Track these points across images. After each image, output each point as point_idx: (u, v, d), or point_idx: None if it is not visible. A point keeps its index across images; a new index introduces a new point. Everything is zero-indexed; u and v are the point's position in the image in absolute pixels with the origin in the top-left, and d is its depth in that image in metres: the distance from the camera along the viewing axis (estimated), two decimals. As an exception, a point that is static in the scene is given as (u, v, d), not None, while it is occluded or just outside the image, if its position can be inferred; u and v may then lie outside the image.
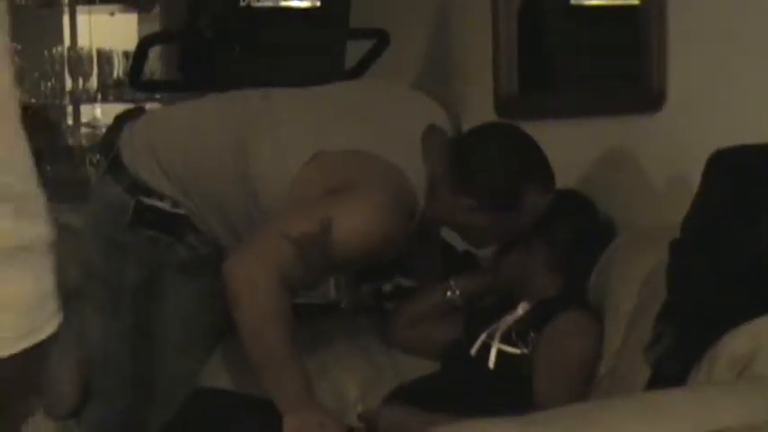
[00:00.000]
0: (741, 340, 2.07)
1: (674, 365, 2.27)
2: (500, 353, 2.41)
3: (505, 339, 2.41)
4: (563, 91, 3.17)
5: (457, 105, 2.79)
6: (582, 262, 2.52)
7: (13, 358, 1.47)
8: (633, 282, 2.44)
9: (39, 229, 1.44)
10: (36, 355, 1.50)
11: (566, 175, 2.66)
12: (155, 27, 4.99)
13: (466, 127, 2.57)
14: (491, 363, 2.42)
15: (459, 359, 2.48)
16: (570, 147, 2.91)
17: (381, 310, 2.75)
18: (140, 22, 5.24)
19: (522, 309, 2.46)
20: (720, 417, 1.84)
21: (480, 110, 3.06)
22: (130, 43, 4.48)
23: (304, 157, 2.29)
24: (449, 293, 2.57)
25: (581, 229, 2.58)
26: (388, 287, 2.83)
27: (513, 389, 2.37)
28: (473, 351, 2.43)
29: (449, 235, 2.74)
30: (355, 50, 3.39)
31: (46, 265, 1.49)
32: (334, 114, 2.42)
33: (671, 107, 2.68)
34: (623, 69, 2.88)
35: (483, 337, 2.43)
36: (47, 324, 1.51)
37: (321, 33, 3.19)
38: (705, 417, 1.86)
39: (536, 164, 2.44)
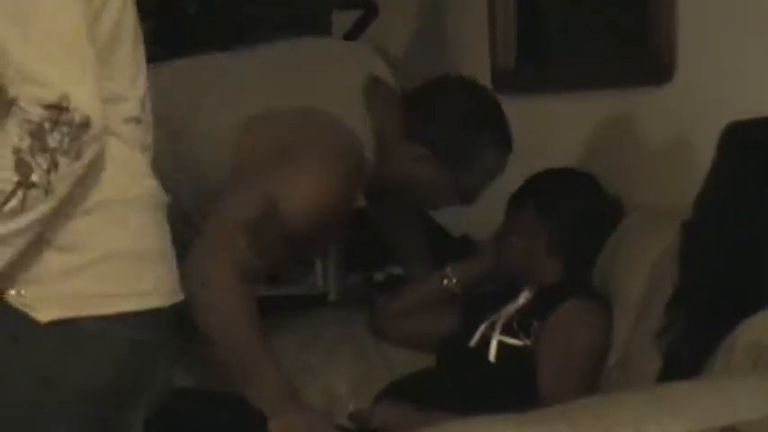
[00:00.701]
0: (758, 327, 2.02)
1: (687, 354, 2.24)
2: (501, 344, 2.40)
3: (507, 330, 2.40)
4: (564, 63, 3.13)
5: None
6: (587, 245, 2.50)
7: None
8: (642, 266, 2.42)
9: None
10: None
11: (569, 153, 2.65)
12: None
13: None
14: (491, 355, 2.41)
15: (456, 352, 2.47)
16: (573, 122, 2.91)
17: (372, 300, 2.74)
18: None
19: (523, 297, 2.46)
20: (738, 410, 1.81)
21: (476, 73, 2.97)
22: None
23: (237, 121, 2.27)
24: (445, 281, 2.56)
25: (586, 209, 2.54)
26: (379, 276, 2.81)
27: (516, 383, 2.37)
28: (472, 343, 2.43)
29: (444, 219, 2.71)
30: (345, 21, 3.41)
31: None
32: (267, 74, 2.41)
33: (681, 78, 2.67)
34: (629, 38, 2.85)
35: (482, 327, 2.43)
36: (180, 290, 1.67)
37: (306, 4, 3.25)
38: (722, 410, 1.82)
39: (497, 124, 2.44)
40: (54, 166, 1.45)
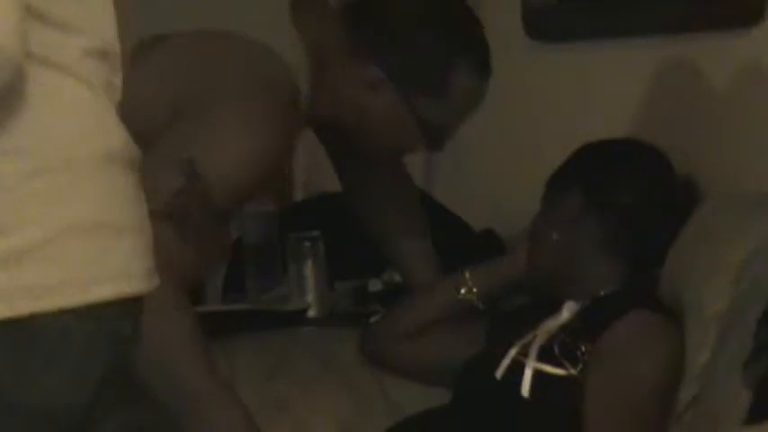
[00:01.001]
0: None
1: None
2: (537, 374, 2.08)
3: (545, 356, 2.09)
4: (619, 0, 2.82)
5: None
6: (652, 242, 2.15)
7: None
8: (726, 270, 2.07)
9: None
10: None
11: (626, 120, 2.43)
12: None
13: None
14: (525, 389, 2.08)
15: (479, 385, 2.16)
16: (631, 78, 2.57)
17: (366, 317, 2.34)
18: None
19: (567, 311, 2.12)
20: None
21: (504, 29, 2.71)
22: None
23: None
24: (463, 291, 2.20)
25: (651, 195, 2.19)
26: (375, 284, 2.45)
27: (556, 424, 2.06)
28: (499, 373, 2.11)
29: (462, 210, 2.56)
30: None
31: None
32: None
33: None
34: None
35: (513, 352, 2.10)
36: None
37: None
38: None
39: (471, 33, 2.10)
40: None
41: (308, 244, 2.32)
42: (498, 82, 2.51)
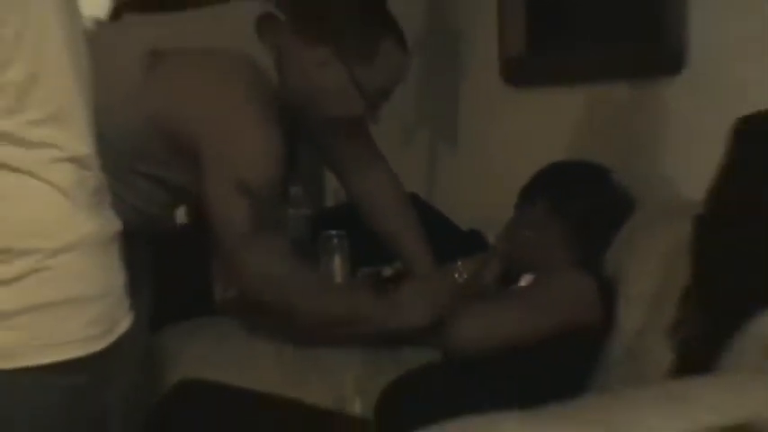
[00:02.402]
0: None
1: (700, 349, 2.24)
2: None
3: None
4: (576, 53, 3.12)
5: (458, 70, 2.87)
6: (598, 239, 2.53)
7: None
8: (654, 259, 2.45)
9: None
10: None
11: (581, 145, 2.70)
12: None
13: (467, 100, 2.56)
14: None
15: None
16: (584, 114, 2.90)
17: None
18: None
19: (525, 280, 2.50)
20: (750, 404, 1.82)
21: (484, 75, 3.06)
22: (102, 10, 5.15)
23: (140, 53, 2.28)
24: (456, 275, 2.55)
25: (597, 204, 2.56)
26: (387, 271, 2.80)
27: (524, 373, 2.38)
28: None
29: (455, 215, 2.76)
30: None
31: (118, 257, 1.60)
32: (178, 21, 2.48)
33: (692, 68, 2.68)
34: (641, 27, 2.86)
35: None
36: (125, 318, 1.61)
37: None
38: (734, 406, 1.82)
39: (390, 19, 2.44)
40: None
41: (335, 240, 2.67)
42: (479, 118, 3.05)
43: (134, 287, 1.77)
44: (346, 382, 2.56)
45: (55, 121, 1.49)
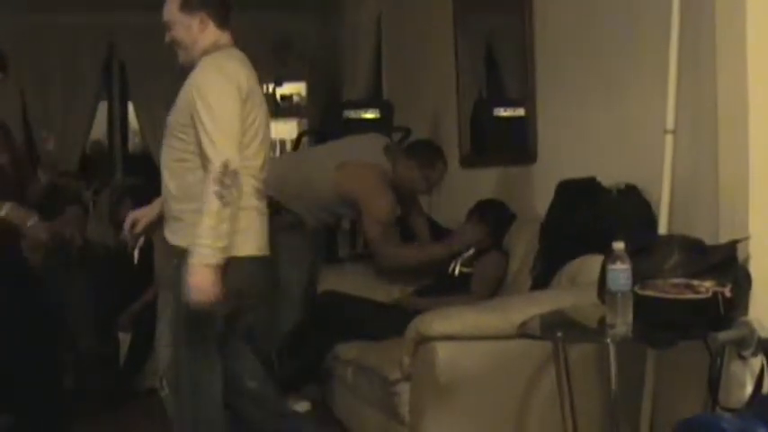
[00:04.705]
0: (571, 267, 3.34)
1: (542, 280, 3.57)
2: (461, 271, 4.35)
3: (465, 264, 4.35)
4: (490, 152, 4.97)
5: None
6: (503, 230, 4.30)
7: (258, 260, 3.05)
8: (524, 242, 4.05)
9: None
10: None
11: (492, 194, 4.47)
12: (304, 127, 8.57)
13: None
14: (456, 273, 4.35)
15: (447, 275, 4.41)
16: (496, 182, 4.70)
17: None
18: (298, 125, 8.60)
19: (471, 251, 4.34)
20: (561, 302, 2.97)
21: (452, 164, 4.86)
22: (294, 134, 7.83)
23: (332, 170, 4.21)
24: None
25: (501, 213, 4.38)
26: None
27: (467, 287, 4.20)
28: (457, 272, 4.40)
29: (445, 222, 4.76)
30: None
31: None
32: (342, 150, 4.44)
33: (540, 162, 4.33)
34: (519, 143, 4.54)
35: (456, 264, 4.39)
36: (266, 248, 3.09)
37: (378, 128, 5.31)
38: (554, 302, 2.97)
39: (439, 154, 4.45)
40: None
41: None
42: (446, 188, 4.70)
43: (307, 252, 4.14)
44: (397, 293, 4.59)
45: (262, 171, 3.03)
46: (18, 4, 7.29)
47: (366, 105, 5.70)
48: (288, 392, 4.11)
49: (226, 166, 2.90)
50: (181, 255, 2.98)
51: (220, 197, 2.86)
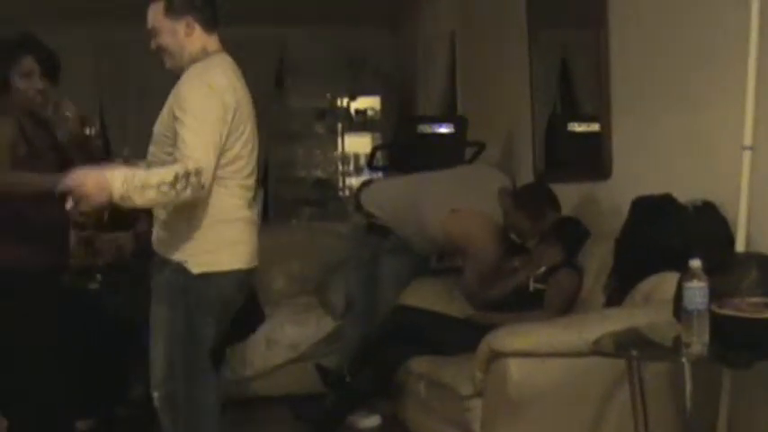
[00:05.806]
0: (646, 285, 3.25)
1: (616, 297, 3.48)
2: (536, 288, 4.28)
3: (538, 281, 4.30)
4: (565, 168, 4.97)
5: (515, 171, 4.99)
6: (577, 247, 4.20)
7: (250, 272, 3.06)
8: (598, 256, 3.95)
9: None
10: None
11: (566, 209, 4.43)
12: (377, 141, 8.61)
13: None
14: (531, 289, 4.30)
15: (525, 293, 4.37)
16: (570, 198, 4.60)
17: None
18: (372, 139, 8.70)
19: (543, 268, 4.31)
20: (635, 320, 2.93)
21: (525, 173, 5.18)
22: (368, 148, 7.92)
23: (444, 211, 4.34)
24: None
25: (576, 231, 4.29)
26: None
27: (540, 303, 4.14)
28: (531, 288, 4.32)
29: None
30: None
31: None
32: (456, 188, 4.49)
33: (616, 177, 4.28)
34: (590, 155, 4.50)
35: (530, 281, 4.33)
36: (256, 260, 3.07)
37: (453, 143, 5.51)
38: (628, 320, 2.94)
39: (549, 201, 4.41)
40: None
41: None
42: None
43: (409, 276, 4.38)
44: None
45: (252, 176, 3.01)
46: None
47: (440, 120, 5.78)
48: (360, 406, 4.28)
49: (199, 172, 2.85)
50: (176, 268, 3.01)
51: (175, 183, 2.81)
